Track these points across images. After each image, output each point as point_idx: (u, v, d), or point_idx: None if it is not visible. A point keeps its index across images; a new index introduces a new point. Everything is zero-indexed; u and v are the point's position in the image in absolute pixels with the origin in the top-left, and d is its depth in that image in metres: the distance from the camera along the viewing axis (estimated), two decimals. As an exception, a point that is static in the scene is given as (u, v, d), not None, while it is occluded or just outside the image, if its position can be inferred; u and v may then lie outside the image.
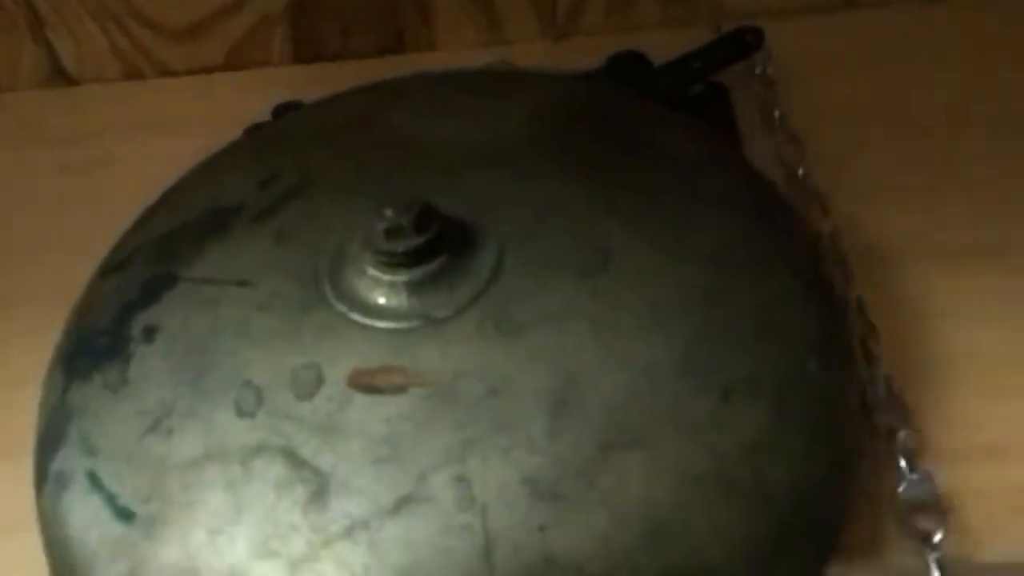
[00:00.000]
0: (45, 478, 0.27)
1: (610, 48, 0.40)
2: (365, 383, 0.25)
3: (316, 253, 0.28)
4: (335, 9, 0.44)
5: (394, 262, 0.26)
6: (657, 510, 0.23)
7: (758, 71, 0.40)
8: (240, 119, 0.40)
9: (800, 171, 0.36)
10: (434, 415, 0.24)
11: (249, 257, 0.28)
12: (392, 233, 0.26)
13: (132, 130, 0.44)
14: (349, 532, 0.23)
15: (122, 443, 0.25)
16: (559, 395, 0.24)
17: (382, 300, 0.26)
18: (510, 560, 0.22)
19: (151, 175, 0.34)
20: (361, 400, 0.25)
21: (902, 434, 0.28)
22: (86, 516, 0.25)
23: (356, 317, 0.26)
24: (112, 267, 0.30)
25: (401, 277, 0.26)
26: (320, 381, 0.25)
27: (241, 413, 0.25)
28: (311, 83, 0.40)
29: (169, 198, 0.32)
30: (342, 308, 0.26)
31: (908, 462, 0.28)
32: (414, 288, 0.26)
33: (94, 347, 0.28)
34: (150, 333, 0.27)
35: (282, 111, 0.39)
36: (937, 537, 0.26)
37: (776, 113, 0.38)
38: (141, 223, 0.32)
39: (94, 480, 0.25)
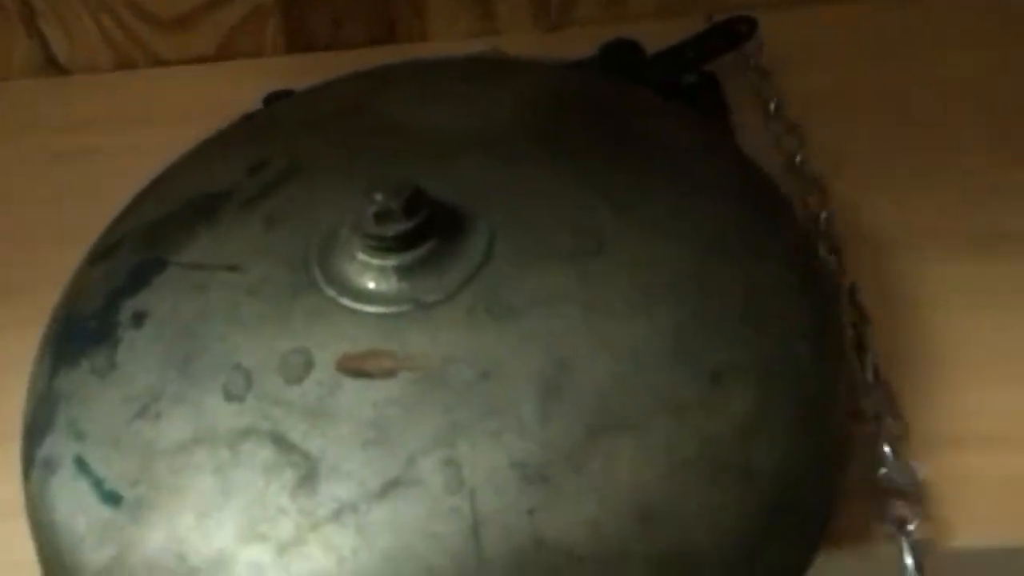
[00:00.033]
0: (33, 464, 0.26)
1: (604, 39, 0.40)
2: (354, 367, 0.25)
3: (306, 238, 0.27)
4: (327, -1, 0.44)
5: (384, 246, 0.26)
6: (646, 494, 0.23)
7: (752, 61, 0.40)
8: (232, 109, 0.39)
9: (798, 158, 0.36)
10: (423, 399, 0.24)
11: (239, 242, 0.28)
12: (382, 217, 0.25)
13: (124, 120, 0.44)
14: (337, 515, 0.23)
15: (110, 428, 0.25)
16: (549, 379, 0.24)
17: (372, 284, 0.26)
18: (499, 543, 0.22)
19: (143, 165, 0.34)
20: (350, 384, 0.25)
21: (887, 421, 0.28)
22: (73, 501, 0.25)
23: (345, 302, 0.26)
24: (100, 253, 0.30)
25: (391, 261, 0.26)
26: (309, 365, 0.25)
27: (230, 397, 0.25)
28: (303, 73, 0.40)
29: (158, 185, 0.32)
30: (331, 293, 0.26)
31: (891, 449, 0.28)
32: (404, 272, 0.26)
33: (82, 333, 0.28)
34: (139, 318, 0.27)
35: (274, 100, 0.39)
36: (912, 525, 0.26)
37: (772, 103, 0.38)
38: (130, 210, 0.32)
39: (81, 465, 0.25)
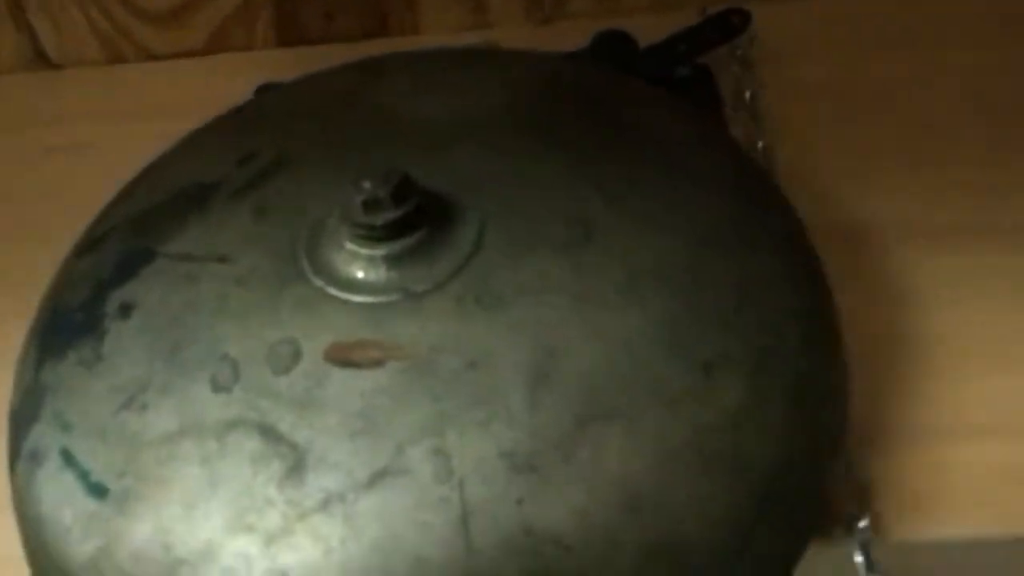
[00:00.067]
0: (19, 456, 0.26)
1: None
2: (342, 357, 0.25)
3: (295, 228, 0.27)
4: (319, -8, 0.44)
5: (372, 235, 0.26)
6: (635, 483, 0.22)
7: (739, 53, 0.40)
8: (223, 103, 0.39)
9: (760, 144, 0.36)
10: (412, 389, 0.24)
11: (228, 233, 0.28)
12: (370, 205, 0.25)
13: (114, 114, 0.44)
14: (325, 506, 0.23)
15: (96, 419, 0.25)
16: (538, 368, 0.24)
17: (360, 274, 0.26)
18: (487, 533, 0.22)
19: (134, 159, 0.34)
20: (338, 374, 0.24)
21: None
22: (59, 493, 0.25)
23: (334, 292, 0.26)
24: (87, 245, 0.30)
25: (379, 251, 0.26)
26: (297, 356, 0.25)
27: (217, 388, 0.25)
28: (295, 67, 0.39)
29: (146, 176, 0.32)
30: (320, 283, 0.26)
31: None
32: (392, 262, 0.26)
33: (69, 324, 0.27)
34: (126, 309, 0.27)
35: (265, 92, 0.39)
36: (862, 523, 0.26)
37: (747, 93, 0.38)
38: (117, 201, 0.31)
39: (67, 457, 0.25)
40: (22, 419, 0.27)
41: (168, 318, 0.26)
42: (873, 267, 0.33)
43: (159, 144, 0.34)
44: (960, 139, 0.37)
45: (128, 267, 0.28)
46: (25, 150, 0.43)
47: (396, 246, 0.26)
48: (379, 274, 0.26)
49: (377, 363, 0.24)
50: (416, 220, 0.26)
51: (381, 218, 0.25)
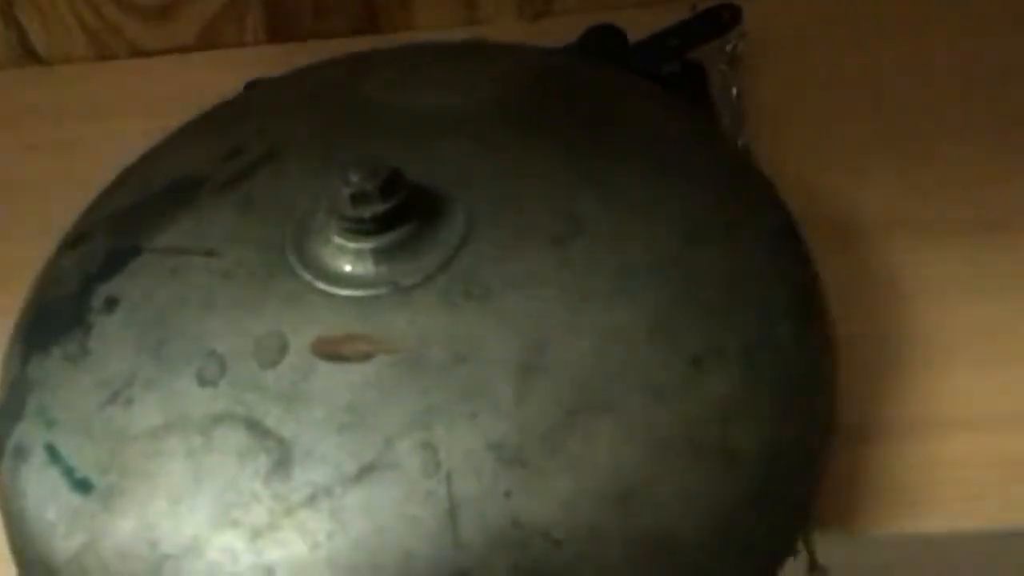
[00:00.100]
0: (3, 452, 0.26)
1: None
2: (330, 351, 0.24)
3: (283, 222, 0.27)
4: (309, -12, 0.44)
5: (360, 229, 0.25)
6: (624, 475, 0.22)
7: (728, 48, 0.40)
8: (213, 99, 0.39)
9: (740, 141, 0.36)
10: (400, 382, 0.24)
11: (215, 227, 0.28)
12: (358, 199, 0.25)
13: (103, 111, 0.43)
14: (312, 500, 0.22)
15: (81, 415, 0.25)
16: (527, 361, 0.24)
17: (348, 268, 0.26)
18: (475, 526, 0.22)
19: (122, 155, 0.34)
20: (325, 368, 0.24)
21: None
22: (44, 489, 0.24)
23: (321, 285, 0.26)
24: (74, 240, 0.30)
25: (367, 244, 0.25)
26: (284, 350, 0.25)
27: (203, 382, 0.25)
28: (285, 63, 0.39)
29: (133, 172, 0.32)
30: (308, 277, 0.26)
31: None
32: (381, 255, 0.25)
33: (54, 319, 0.27)
34: (112, 304, 0.27)
35: (255, 87, 0.39)
36: None
37: (733, 89, 0.38)
38: (104, 197, 0.31)
39: (52, 452, 0.25)
40: (7, 415, 0.27)
41: (154, 312, 0.26)
42: (860, 261, 0.33)
43: (148, 141, 0.34)
44: (948, 134, 0.37)
45: (114, 262, 0.28)
46: (13, 146, 0.43)
47: (384, 239, 0.25)
48: (367, 267, 0.26)
49: (365, 356, 0.24)
50: (404, 213, 0.26)
51: (369, 211, 0.25)
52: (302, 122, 0.31)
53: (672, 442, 0.23)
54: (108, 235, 0.29)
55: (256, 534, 0.22)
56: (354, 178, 0.25)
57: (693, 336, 0.24)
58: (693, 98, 0.39)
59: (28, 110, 0.44)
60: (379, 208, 0.25)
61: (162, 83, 0.44)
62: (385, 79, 0.32)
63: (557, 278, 0.25)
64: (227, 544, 0.22)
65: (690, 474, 0.23)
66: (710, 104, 0.39)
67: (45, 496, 0.24)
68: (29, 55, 0.46)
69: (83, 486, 0.24)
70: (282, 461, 0.23)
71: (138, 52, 0.45)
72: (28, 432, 0.26)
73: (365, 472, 0.23)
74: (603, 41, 0.39)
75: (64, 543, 0.24)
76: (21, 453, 0.25)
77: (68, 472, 0.24)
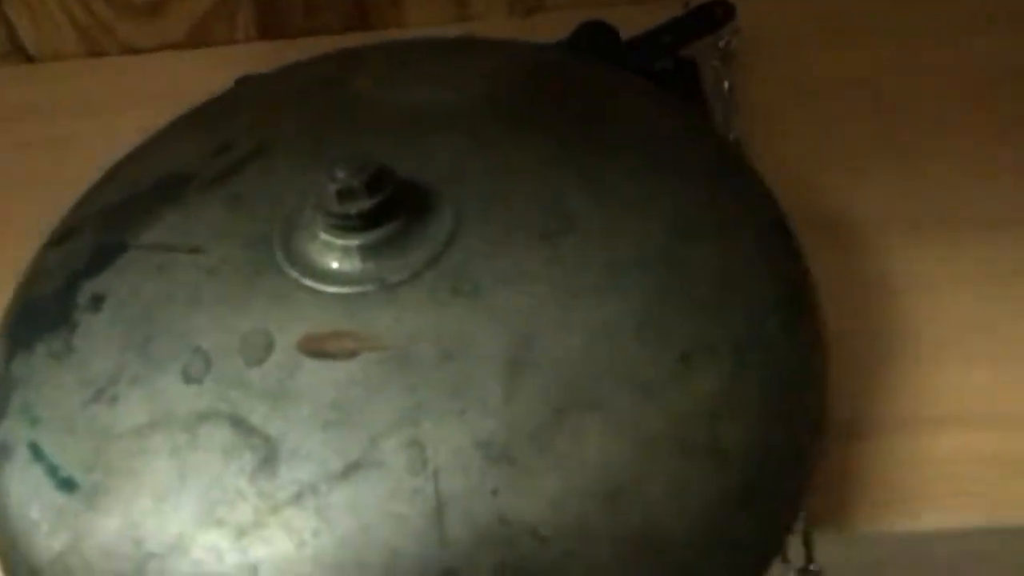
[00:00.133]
0: (-12, 450, 0.26)
1: (580, 24, 0.40)
2: (316, 348, 0.24)
3: (270, 218, 0.27)
4: (300, -15, 0.44)
5: (347, 225, 0.25)
6: (613, 473, 0.22)
7: (721, 44, 0.39)
8: (204, 96, 0.39)
9: (732, 136, 0.36)
10: (386, 379, 0.23)
11: (202, 224, 0.28)
12: (344, 195, 0.25)
13: (93, 108, 0.43)
14: (297, 498, 0.22)
15: (66, 412, 0.25)
16: (515, 358, 0.23)
17: (335, 264, 0.25)
18: (462, 524, 0.22)
19: (113, 153, 0.33)
20: (311, 365, 0.24)
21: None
22: (27, 487, 0.24)
23: (308, 282, 0.25)
24: (60, 237, 0.30)
25: (354, 241, 0.25)
26: (270, 347, 0.24)
27: (188, 380, 0.24)
28: (276, 60, 0.39)
29: (121, 168, 0.31)
30: (294, 273, 0.26)
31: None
32: (368, 252, 0.25)
33: (39, 316, 0.27)
34: (97, 301, 0.26)
35: (245, 84, 0.39)
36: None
37: (726, 84, 0.38)
38: (91, 193, 0.31)
39: (36, 451, 0.24)
40: (-8, 413, 0.26)
41: (140, 309, 0.26)
42: (854, 259, 0.33)
43: (138, 138, 0.34)
44: (941, 131, 0.37)
45: (100, 258, 0.27)
46: (3, 144, 0.42)
47: (371, 236, 0.25)
48: (354, 264, 0.25)
49: (351, 354, 0.24)
50: (391, 209, 0.25)
51: (355, 207, 0.25)
52: (291, 118, 0.31)
53: (661, 440, 0.23)
54: (95, 232, 0.29)
55: (241, 532, 0.22)
56: (340, 174, 0.25)
57: (682, 333, 0.24)
58: (686, 95, 0.39)
59: (18, 107, 0.44)
60: (365, 204, 0.25)
61: (153, 80, 0.44)
62: (375, 75, 0.32)
63: (546, 274, 0.25)
64: (212, 542, 0.22)
65: (679, 472, 0.22)
66: (703, 101, 0.39)
67: (28, 495, 0.24)
68: (19, 52, 0.46)
69: (67, 485, 0.24)
70: (268, 459, 0.23)
71: (129, 49, 0.45)
72: (11, 430, 0.25)
73: (351, 470, 0.22)
74: (595, 37, 0.38)
75: (48, 542, 0.23)
76: (4, 451, 0.25)
77: (52, 471, 0.24)
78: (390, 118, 0.30)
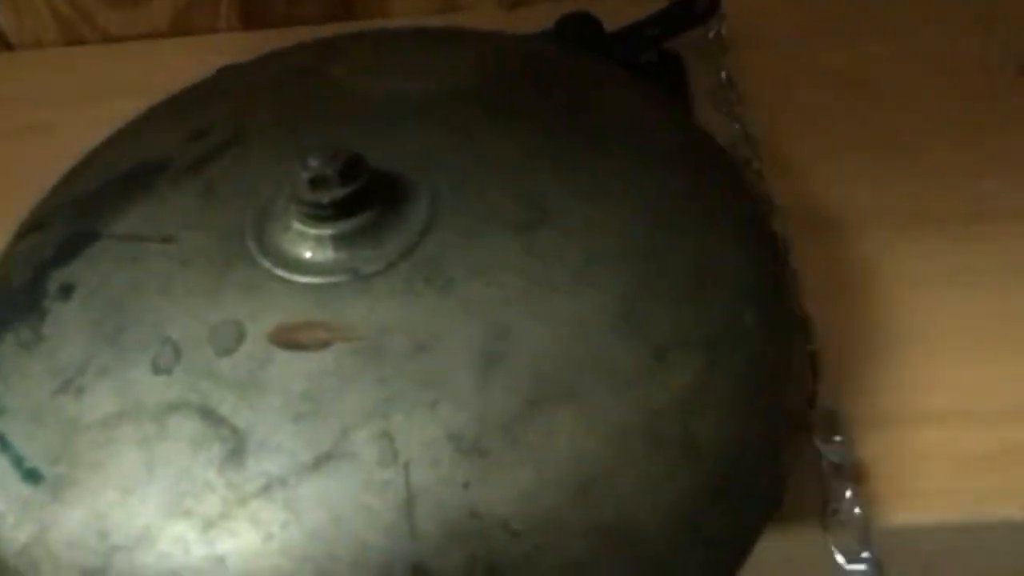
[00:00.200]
0: (-45, 441, 0.25)
1: (566, 16, 0.40)
2: (287, 339, 0.24)
3: (244, 208, 0.27)
4: (282, -27, 0.43)
5: (320, 214, 0.25)
6: (585, 466, 0.22)
7: (711, 35, 0.39)
8: (185, 86, 0.39)
9: (736, 127, 0.36)
10: (358, 371, 0.23)
11: (174, 213, 0.27)
12: (317, 183, 0.25)
13: (73, 97, 0.43)
14: (266, 490, 0.22)
15: (33, 403, 0.24)
16: (488, 350, 0.23)
17: (308, 254, 0.25)
18: (432, 517, 0.21)
19: (93, 142, 0.33)
20: (282, 356, 0.24)
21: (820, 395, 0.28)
22: (-7, 479, 0.24)
23: (280, 272, 0.25)
24: (31, 226, 0.29)
25: (327, 230, 0.25)
26: (241, 337, 0.24)
27: (158, 370, 0.24)
28: (258, 49, 0.39)
29: (94, 157, 0.31)
30: (267, 264, 0.25)
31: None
32: (341, 242, 0.25)
33: (8, 305, 0.26)
34: (67, 290, 0.26)
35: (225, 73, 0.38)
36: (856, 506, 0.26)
37: (723, 74, 0.38)
38: (64, 183, 0.30)
39: (2, 441, 0.24)
40: (-41, 403, 0.26)
41: (110, 299, 0.25)
42: (844, 251, 0.33)
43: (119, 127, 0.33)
44: (934, 124, 0.37)
45: (70, 248, 0.27)
46: (-17, 133, 0.42)
47: (344, 225, 0.25)
48: (327, 254, 0.25)
49: (323, 345, 0.24)
50: (365, 199, 0.25)
51: (328, 196, 0.25)
52: (267, 107, 0.30)
53: (634, 433, 0.22)
54: (66, 221, 0.28)
55: (208, 524, 0.22)
56: (313, 162, 0.25)
57: (657, 326, 0.24)
58: (670, 88, 0.38)
59: (-1, 96, 0.44)
60: (338, 193, 0.25)
61: (134, 69, 0.44)
62: (353, 64, 0.31)
63: (521, 266, 0.25)
64: (179, 534, 0.22)
65: (652, 466, 0.22)
66: (686, 94, 0.39)
67: (-6, 486, 0.24)
68: (-1, 41, 0.45)
69: (33, 476, 0.23)
70: (236, 450, 0.22)
71: (110, 38, 0.45)
72: (-21, 421, 0.25)
73: (321, 461, 0.22)
74: (578, 29, 0.38)
75: (13, 534, 0.23)
76: (-28, 442, 0.25)
77: (17, 462, 0.24)
78: (368, 107, 0.29)
